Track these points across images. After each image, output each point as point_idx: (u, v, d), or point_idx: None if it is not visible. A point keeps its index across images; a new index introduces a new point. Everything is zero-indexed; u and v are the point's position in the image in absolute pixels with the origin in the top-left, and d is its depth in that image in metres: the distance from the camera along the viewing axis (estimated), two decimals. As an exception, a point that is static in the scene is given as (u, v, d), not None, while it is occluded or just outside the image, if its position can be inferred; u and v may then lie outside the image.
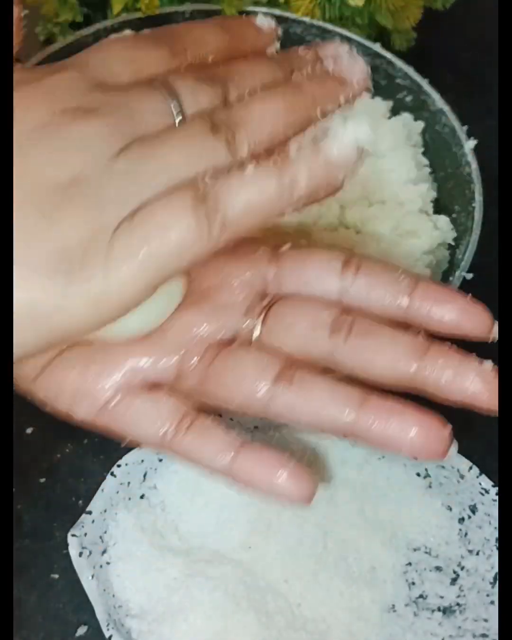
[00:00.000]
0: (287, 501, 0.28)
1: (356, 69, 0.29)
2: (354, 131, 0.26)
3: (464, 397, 0.27)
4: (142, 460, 0.40)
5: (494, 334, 0.29)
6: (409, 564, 0.40)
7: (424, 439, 0.27)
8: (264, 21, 0.31)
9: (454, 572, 0.40)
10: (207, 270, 0.30)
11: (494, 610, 0.38)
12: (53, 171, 0.24)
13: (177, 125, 0.26)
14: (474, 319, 0.29)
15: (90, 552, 0.38)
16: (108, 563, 0.39)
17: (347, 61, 0.30)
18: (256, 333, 0.30)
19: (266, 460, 0.28)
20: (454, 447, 0.27)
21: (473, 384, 0.27)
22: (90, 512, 0.39)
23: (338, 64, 0.29)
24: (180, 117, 0.26)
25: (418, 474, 0.42)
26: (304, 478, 0.28)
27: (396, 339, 0.28)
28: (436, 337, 0.29)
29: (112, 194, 0.24)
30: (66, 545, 0.38)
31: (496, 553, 0.39)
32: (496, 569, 0.39)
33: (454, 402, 0.28)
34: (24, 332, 0.24)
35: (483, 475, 0.40)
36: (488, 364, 0.28)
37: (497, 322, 0.29)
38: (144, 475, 0.41)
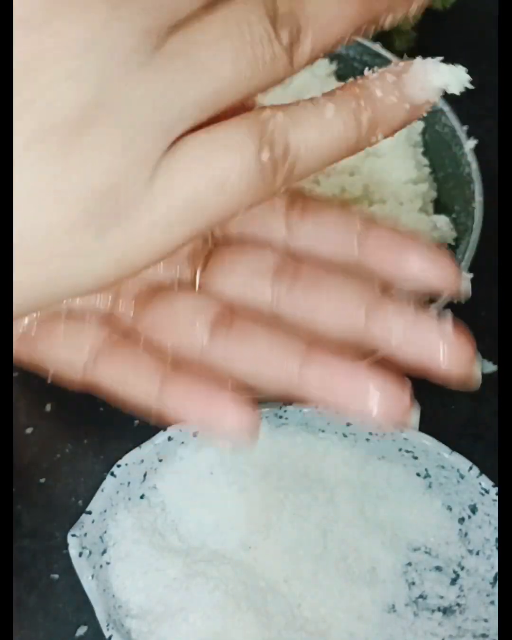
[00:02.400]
0: (227, 436, 0.24)
1: None
2: (447, 73, 0.23)
3: (420, 356, 0.23)
4: (142, 460, 0.40)
5: (466, 289, 0.25)
6: (409, 564, 0.40)
7: (383, 401, 0.22)
8: None
9: (454, 572, 0.40)
10: None
11: (494, 610, 0.38)
12: (60, 92, 0.18)
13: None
14: (437, 269, 0.25)
15: (90, 552, 0.38)
16: (108, 563, 0.39)
17: None
18: (198, 279, 0.26)
19: (198, 387, 0.24)
20: (416, 414, 0.23)
21: (430, 340, 0.23)
22: (90, 512, 0.39)
23: None
24: None
25: (418, 474, 0.42)
26: (243, 408, 0.23)
27: (345, 286, 0.25)
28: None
29: (145, 116, 0.19)
30: (66, 545, 0.38)
31: (496, 553, 0.39)
32: (496, 569, 0.39)
33: (409, 364, 0.24)
34: (33, 293, 0.20)
35: (483, 475, 0.40)
36: (448, 323, 0.23)
37: (466, 274, 0.26)
38: (144, 475, 0.41)
